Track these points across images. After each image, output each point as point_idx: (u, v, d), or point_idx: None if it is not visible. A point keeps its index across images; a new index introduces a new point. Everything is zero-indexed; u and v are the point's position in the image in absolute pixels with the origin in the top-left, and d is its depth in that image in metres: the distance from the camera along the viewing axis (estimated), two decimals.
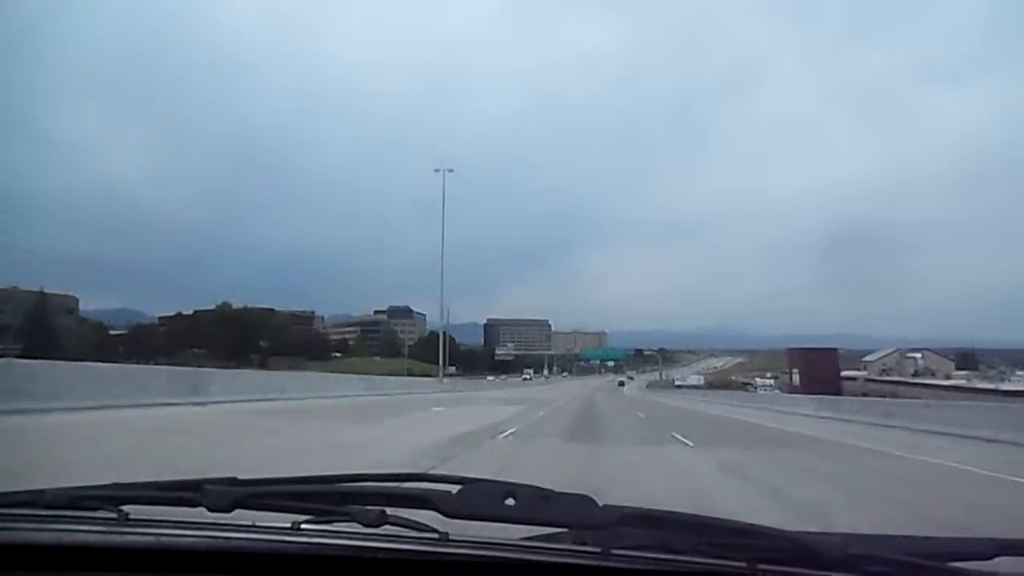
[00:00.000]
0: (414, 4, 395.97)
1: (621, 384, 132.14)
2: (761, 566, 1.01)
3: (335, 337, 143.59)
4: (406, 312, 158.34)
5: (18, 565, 1.06)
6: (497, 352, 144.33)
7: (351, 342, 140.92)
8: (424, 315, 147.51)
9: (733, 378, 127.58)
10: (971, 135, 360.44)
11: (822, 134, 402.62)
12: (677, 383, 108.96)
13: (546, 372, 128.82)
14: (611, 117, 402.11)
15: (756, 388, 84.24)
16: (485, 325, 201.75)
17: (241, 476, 1.23)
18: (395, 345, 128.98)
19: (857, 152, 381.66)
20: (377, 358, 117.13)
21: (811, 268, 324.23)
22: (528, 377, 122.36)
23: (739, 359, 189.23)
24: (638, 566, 1.01)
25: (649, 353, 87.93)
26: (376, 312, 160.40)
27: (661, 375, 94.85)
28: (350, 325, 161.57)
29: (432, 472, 1.41)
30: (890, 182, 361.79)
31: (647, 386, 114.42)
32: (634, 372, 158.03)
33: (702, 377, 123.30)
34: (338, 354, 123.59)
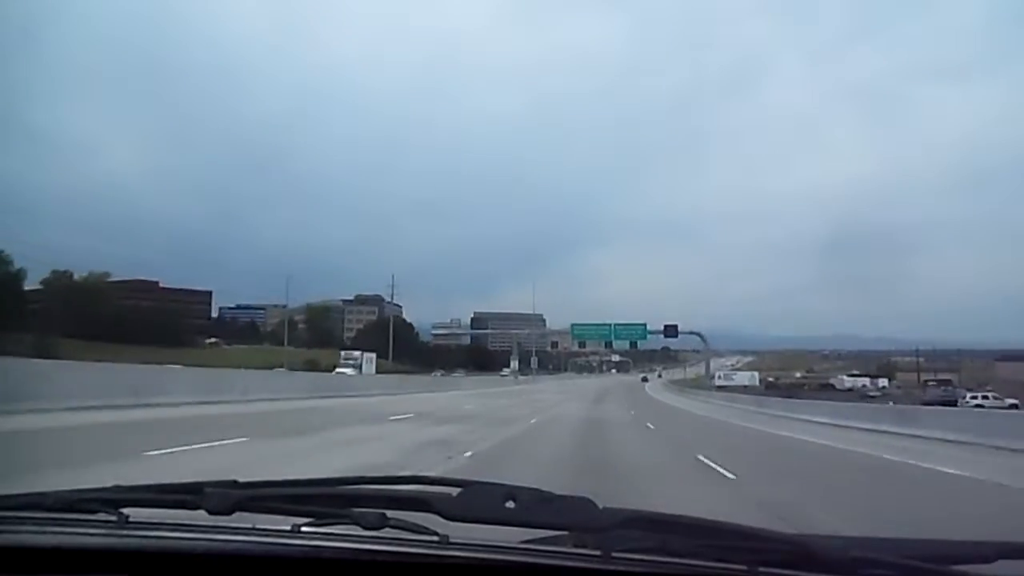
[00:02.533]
0: (414, 2, 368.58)
1: (645, 380, 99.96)
2: (762, 569, 0.99)
3: (244, 322, 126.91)
4: (375, 301, 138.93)
5: (19, 568, 1.05)
6: (434, 333, 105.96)
7: (270, 328, 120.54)
8: (400, 306, 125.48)
9: (771, 379, 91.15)
10: (973, 134, 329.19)
11: (823, 133, 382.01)
12: (718, 383, 70.57)
13: (516, 367, 75.36)
14: (611, 115, 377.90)
15: (873, 392, 51.15)
16: (473, 319, 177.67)
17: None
18: (323, 333, 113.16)
19: (858, 151, 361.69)
20: (291, 347, 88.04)
21: (811, 268, 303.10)
22: (352, 370, 52.79)
23: (747, 359, 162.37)
24: (639, 569, 1.00)
25: (688, 333, 54.03)
26: (342, 301, 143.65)
27: (707, 368, 62.25)
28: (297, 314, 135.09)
29: (432, 475, 1.44)
30: (892, 181, 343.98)
31: (670, 384, 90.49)
32: (641, 370, 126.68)
33: (756, 374, 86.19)
34: (214, 339, 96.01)
